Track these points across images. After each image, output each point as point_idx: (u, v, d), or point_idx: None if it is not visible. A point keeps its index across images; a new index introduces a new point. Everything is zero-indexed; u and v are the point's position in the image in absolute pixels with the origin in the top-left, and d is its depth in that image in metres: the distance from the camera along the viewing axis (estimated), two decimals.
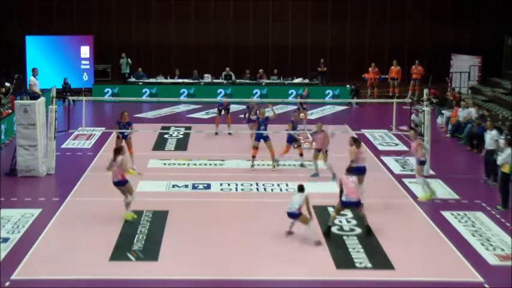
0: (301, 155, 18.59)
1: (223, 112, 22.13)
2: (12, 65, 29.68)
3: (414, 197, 16.01)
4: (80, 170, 17.81)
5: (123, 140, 18.01)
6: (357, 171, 14.49)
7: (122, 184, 14.17)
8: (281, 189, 16.37)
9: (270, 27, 34.09)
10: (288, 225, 13.35)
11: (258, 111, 19.01)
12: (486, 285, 11.28)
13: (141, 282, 11.41)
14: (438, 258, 12.40)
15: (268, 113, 18.64)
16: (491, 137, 17.41)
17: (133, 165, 17.75)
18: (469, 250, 12.75)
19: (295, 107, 24.57)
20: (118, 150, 14.50)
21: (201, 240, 13.13)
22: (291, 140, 18.60)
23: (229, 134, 21.36)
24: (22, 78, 27.99)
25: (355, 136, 16.40)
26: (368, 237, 13.25)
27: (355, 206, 13.41)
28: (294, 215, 12.97)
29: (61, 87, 27.89)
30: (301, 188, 13.14)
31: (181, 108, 27.33)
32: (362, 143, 16.05)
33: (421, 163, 16.03)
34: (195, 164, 18.55)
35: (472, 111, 22.31)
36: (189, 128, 22.91)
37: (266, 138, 18.02)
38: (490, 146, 17.34)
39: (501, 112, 23.21)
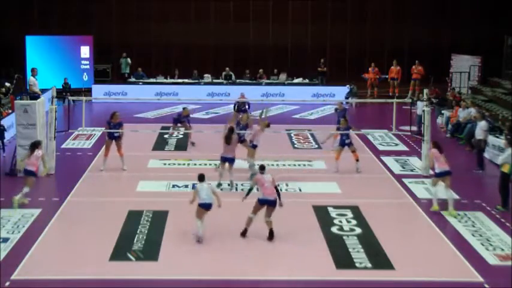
0: (357, 160, 17.93)
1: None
2: (12, 65, 29.69)
3: (414, 197, 16.01)
4: (80, 170, 17.81)
5: (113, 141, 17.86)
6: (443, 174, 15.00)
7: (33, 175, 15.05)
8: (281, 189, 16.31)
9: (270, 27, 34.11)
10: (287, 220, 13.36)
11: (241, 116, 19.06)
12: (486, 285, 11.28)
13: (141, 282, 11.41)
14: (438, 258, 12.39)
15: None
16: (480, 127, 18.63)
17: (124, 166, 17.74)
18: (469, 250, 12.74)
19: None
20: (36, 145, 15.27)
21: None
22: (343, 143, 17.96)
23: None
24: (22, 78, 27.99)
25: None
26: (368, 237, 13.26)
27: (271, 204, 13.08)
28: (210, 206, 12.98)
29: (61, 87, 27.92)
30: (201, 178, 13.14)
31: (182, 108, 27.27)
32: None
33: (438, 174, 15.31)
34: (195, 164, 18.54)
35: (472, 111, 22.30)
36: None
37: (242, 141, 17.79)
38: (478, 136, 18.59)
39: (501, 112, 23.20)
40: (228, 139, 16.37)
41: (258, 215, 13.19)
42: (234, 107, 23.58)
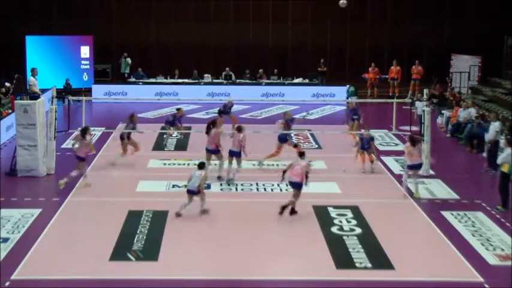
0: (372, 161, 18.14)
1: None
2: (12, 65, 29.69)
3: (414, 197, 16.01)
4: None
5: (128, 140, 18.53)
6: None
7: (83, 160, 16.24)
8: (281, 189, 16.35)
9: (270, 27, 34.11)
10: (287, 220, 13.36)
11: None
12: (486, 285, 11.28)
13: (141, 282, 11.41)
14: (438, 258, 12.39)
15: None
16: (493, 128, 18.52)
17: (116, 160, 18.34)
18: (469, 250, 12.74)
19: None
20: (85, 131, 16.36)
21: (201, 240, 13.13)
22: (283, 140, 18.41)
23: None
24: (22, 78, 28.00)
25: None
26: (368, 237, 13.26)
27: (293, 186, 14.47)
28: (194, 193, 14.14)
29: (62, 87, 27.93)
30: (201, 166, 14.42)
31: (175, 109, 27.24)
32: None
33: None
34: (195, 164, 18.44)
35: (472, 111, 22.32)
36: (189, 128, 22.89)
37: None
38: (491, 137, 18.54)
39: (501, 112, 23.21)
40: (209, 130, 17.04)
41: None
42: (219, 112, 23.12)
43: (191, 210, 14.82)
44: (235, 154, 16.86)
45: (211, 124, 17.26)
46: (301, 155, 14.82)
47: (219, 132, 17.22)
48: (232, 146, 16.81)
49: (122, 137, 18.71)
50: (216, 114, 22.65)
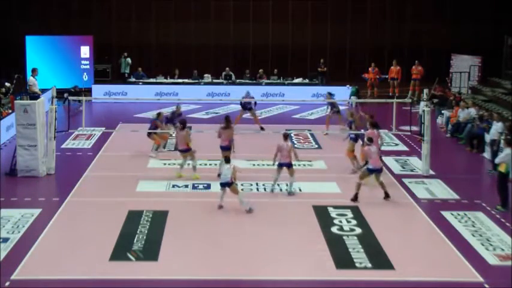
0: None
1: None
2: (12, 65, 29.69)
3: (414, 197, 16.02)
4: (80, 170, 17.82)
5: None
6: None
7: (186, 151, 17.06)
8: (281, 189, 16.35)
9: (270, 27, 34.11)
10: (287, 220, 13.35)
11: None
12: (486, 285, 11.28)
13: (141, 282, 11.41)
14: (438, 258, 12.39)
15: None
16: (496, 128, 18.48)
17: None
18: (469, 250, 12.75)
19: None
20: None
21: (201, 240, 13.13)
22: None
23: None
24: (22, 78, 27.99)
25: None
26: (368, 237, 13.26)
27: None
28: (227, 184, 14.60)
29: (72, 90, 28.11)
30: (228, 160, 14.88)
31: (181, 108, 27.25)
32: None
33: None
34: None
35: (472, 111, 22.32)
36: (189, 128, 22.89)
37: None
38: (493, 137, 18.51)
39: (501, 112, 23.20)
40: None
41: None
42: (241, 104, 23.44)
43: (191, 210, 14.84)
44: (286, 165, 16.07)
45: (228, 122, 17.25)
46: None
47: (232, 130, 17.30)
48: (280, 158, 16.05)
49: (149, 134, 19.43)
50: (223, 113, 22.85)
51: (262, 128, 22.33)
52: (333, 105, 22.89)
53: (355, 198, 15.31)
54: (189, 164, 17.30)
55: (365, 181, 15.68)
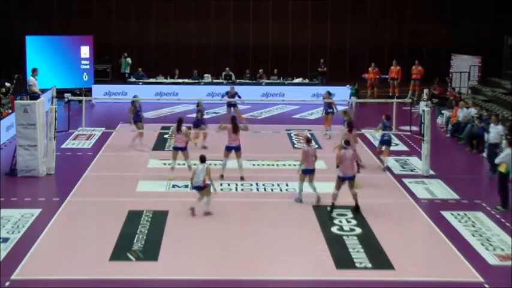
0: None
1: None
2: (12, 65, 29.68)
3: (414, 197, 16.02)
4: (80, 170, 17.82)
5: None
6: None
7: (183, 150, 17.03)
8: (281, 189, 16.37)
9: (270, 27, 34.11)
10: (288, 221, 13.35)
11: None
12: (486, 285, 11.29)
13: (141, 282, 11.42)
14: (438, 258, 12.40)
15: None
16: (497, 132, 18.10)
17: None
18: (469, 250, 12.75)
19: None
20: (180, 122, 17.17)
21: (201, 240, 13.13)
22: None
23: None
24: (22, 78, 27.99)
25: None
26: (368, 237, 13.26)
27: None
28: (200, 188, 14.12)
29: (78, 91, 28.31)
30: (203, 160, 14.38)
31: (181, 108, 27.33)
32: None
33: None
34: (195, 164, 18.44)
35: (472, 111, 22.32)
36: (189, 128, 22.90)
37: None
38: (494, 140, 18.10)
39: (501, 112, 23.22)
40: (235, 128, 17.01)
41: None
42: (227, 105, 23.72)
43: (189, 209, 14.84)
44: (311, 172, 15.37)
45: (235, 121, 17.23)
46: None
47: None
48: (306, 164, 15.24)
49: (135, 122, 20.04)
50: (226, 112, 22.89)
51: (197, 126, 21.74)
52: (329, 106, 22.52)
53: (331, 209, 14.57)
54: (183, 164, 17.30)
55: (355, 184, 15.07)
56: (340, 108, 22.34)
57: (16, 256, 12.13)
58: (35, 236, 13.10)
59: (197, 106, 20.94)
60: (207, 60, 33.42)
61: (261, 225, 13.99)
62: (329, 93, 23.24)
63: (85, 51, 30.81)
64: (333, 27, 34.13)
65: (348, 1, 34.13)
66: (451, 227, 14.02)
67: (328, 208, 14.67)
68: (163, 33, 33.92)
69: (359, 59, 33.54)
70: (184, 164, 17.34)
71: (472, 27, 33.03)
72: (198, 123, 20.29)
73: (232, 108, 23.72)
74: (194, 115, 23.24)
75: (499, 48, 30.23)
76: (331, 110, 22.29)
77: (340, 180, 14.70)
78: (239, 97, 23.67)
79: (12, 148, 18.35)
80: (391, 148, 20.85)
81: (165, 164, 18.79)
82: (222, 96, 24.31)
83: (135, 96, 21.31)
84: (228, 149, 17.05)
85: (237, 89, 27.73)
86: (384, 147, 18.46)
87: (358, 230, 13.68)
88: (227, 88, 29.19)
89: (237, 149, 17.07)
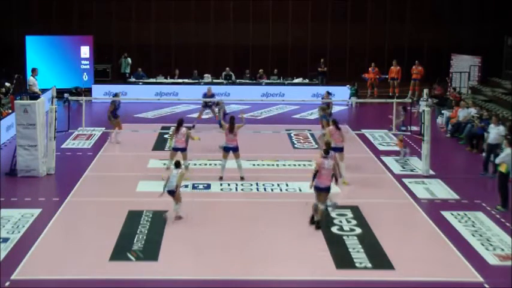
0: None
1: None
2: (12, 65, 29.68)
3: (414, 197, 16.02)
4: (80, 170, 17.82)
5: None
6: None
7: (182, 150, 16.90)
8: (281, 189, 16.37)
9: (270, 27, 34.10)
10: (287, 221, 13.36)
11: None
12: (486, 285, 11.28)
13: (141, 282, 11.41)
14: (438, 258, 12.39)
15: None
16: (497, 132, 17.92)
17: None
18: (469, 250, 12.75)
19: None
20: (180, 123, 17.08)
21: (201, 240, 13.13)
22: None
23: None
24: (22, 78, 27.99)
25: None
26: (368, 237, 13.26)
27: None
28: (173, 192, 13.77)
29: (74, 90, 28.22)
30: (177, 165, 14.04)
31: (181, 108, 27.34)
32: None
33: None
34: (195, 164, 18.53)
35: (472, 111, 22.31)
36: (189, 129, 22.91)
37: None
38: (495, 141, 17.90)
39: (501, 112, 23.21)
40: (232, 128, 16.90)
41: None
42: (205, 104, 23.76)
43: (191, 210, 14.83)
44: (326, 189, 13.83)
45: (233, 121, 17.11)
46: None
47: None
48: (320, 179, 13.67)
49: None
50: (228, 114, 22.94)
51: (190, 127, 21.68)
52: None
53: (311, 222, 13.69)
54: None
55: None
56: (335, 109, 22.33)
57: (16, 256, 12.12)
58: (35, 236, 13.09)
59: (217, 105, 20.99)
60: (207, 60, 33.42)
61: (261, 225, 13.98)
62: (328, 93, 23.19)
63: (85, 51, 30.81)
64: (333, 27, 34.12)
65: (348, 1, 34.12)
66: (451, 227, 14.02)
67: (308, 221, 13.76)
68: (163, 33, 33.91)
69: (359, 59, 33.53)
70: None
71: (472, 27, 33.02)
72: (220, 123, 20.24)
73: (207, 109, 23.63)
74: (194, 115, 23.34)
75: (499, 48, 30.22)
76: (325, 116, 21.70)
77: (315, 190, 13.58)
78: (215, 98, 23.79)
79: (12, 148, 18.35)
80: (392, 148, 20.93)
81: (164, 164, 18.78)
82: (203, 96, 24.03)
83: (115, 95, 21.74)
84: (226, 149, 17.02)
85: (237, 89, 27.87)
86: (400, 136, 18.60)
87: (358, 230, 13.68)
88: (227, 88, 29.33)
89: (235, 149, 17.03)
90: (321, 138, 18.58)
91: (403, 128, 19.01)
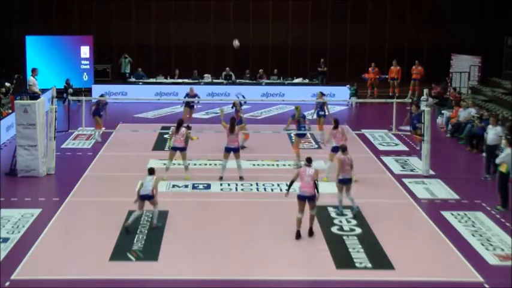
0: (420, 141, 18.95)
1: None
2: (12, 65, 29.68)
3: (414, 197, 16.02)
4: (80, 170, 17.82)
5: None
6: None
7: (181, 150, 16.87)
8: (281, 189, 16.35)
9: (270, 27, 34.10)
10: (287, 221, 13.38)
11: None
12: (486, 285, 11.28)
13: (141, 282, 11.42)
14: (438, 258, 12.39)
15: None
16: (495, 133, 17.78)
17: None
18: (469, 250, 12.75)
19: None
20: (180, 123, 17.11)
21: (201, 240, 13.12)
22: None
23: None
24: (22, 78, 28.00)
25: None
26: (368, 237, 13.26)
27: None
28: (148, 197, 13.50)
29: (63, 87, 27.99)
30: (151, 171, 13.79)
31: (181, 108, 27.29)
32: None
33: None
34: (195, 164, 18.53)
35: (472, 111, 22.31)
36: (189, 129, 22.90)
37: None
38: (493, 142, 17.73)
39: (501, 112, 23.21)
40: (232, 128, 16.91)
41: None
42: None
43: (191, 210, 14.85)
44: (348, 182, 14.56)
45: (234, 122, 17.18)
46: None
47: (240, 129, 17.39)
48: (343, 173, 14.46)
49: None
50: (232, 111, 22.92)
51: (188, 127, 21.59)
52: (321, 109, 22.15)
53: (297, 236, 13.13)
54: (179, 164, 17.29)
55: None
56: (332, 110, 22.30)
57: (16, 256, 12.12)
58: (35, 236, 13.09)
59: (233, 107, 21.00)
60: (207, 60, 33.43)
61: (261, 225, 13.98)
62: (322, 94, 23.12)
63: (85, 51, 30.82)
64: (333, 27, 34.12)
65: (348, 1, 34.13)
66: (451, 227, 14.02)
67: (295, 235, 13.19)
68: (163, 33, 33.91)
69: (359, 59, 33.52)
70: (179, 164, 17.30)
71: (472, 27, 33.02)
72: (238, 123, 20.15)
73: (190, 109, 23.67)
74: (194, 115, 23.29)
75: (499, 48, 30.22)
76: (322, 113, 22.06)
77: (299, 199, 13.14)
78: (198, 97, 23.94)
79: (12, 148, 18.35)
80: (392, 148, 20.93)
81: (164, 164, 18.76)
82: (184, 96, 24.08)
83: (101, 96, 22.43)
84: (227, 150, 17.03)
85: (237, 89, 27.81)
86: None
87: (358, 230, 13.68)
88: (227, 88, 29.32)
89: (236, 150, 17.04)
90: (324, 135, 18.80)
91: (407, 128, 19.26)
